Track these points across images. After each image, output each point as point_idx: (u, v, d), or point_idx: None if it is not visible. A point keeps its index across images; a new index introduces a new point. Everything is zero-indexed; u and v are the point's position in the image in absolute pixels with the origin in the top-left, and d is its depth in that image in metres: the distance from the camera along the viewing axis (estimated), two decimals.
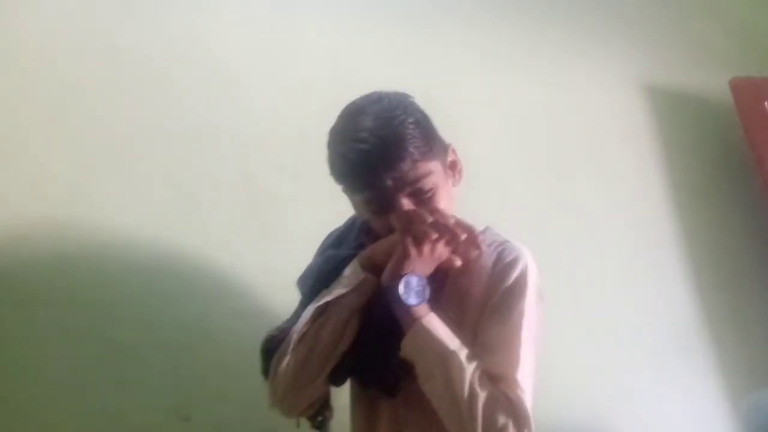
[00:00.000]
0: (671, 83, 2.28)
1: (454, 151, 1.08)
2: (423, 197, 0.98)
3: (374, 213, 1.01)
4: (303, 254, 1.53)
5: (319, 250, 1.19)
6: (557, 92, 2.04)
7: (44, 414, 1.19)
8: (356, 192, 1.01)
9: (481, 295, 0.98)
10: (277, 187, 1.53)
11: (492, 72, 1.97)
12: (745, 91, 2.15)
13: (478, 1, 2.05)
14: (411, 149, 0.95)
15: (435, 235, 0.95)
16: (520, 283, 0.98)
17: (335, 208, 1.58)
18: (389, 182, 0.95)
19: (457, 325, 0.95)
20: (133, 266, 1.33)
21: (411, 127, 0.98)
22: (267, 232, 1.48)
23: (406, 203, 0.96)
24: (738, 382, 1.86)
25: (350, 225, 1.17)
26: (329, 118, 1.71)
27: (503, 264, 1.00)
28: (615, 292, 1.84)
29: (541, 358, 1.58)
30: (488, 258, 1.01)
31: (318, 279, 1.06)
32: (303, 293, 1.11)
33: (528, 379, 0.92)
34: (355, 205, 1.07)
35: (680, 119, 2.24)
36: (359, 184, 0.99)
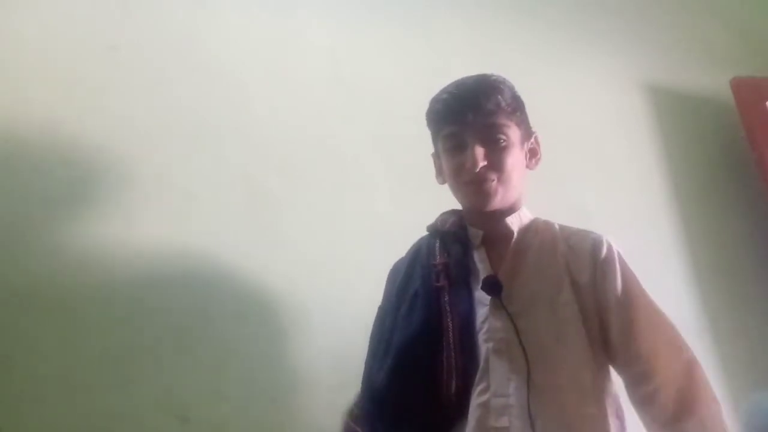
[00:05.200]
0: (672, 83, 2.28)
1: (537, 141, 1.17)
2: (494, 146, 1.07)
3: (450, 150, 1.09)
4: (302, 254, 1.54)
5: (392, 276, 1.21)
6: (558, 92, 2.03)
7: (43, 414, 1.19)
8: (443, 125, 1.10)
9: (588, 281, 1.05)
10: (276, 187, 1.53)
11: (492, 72, 1.97)
12: (746, 90, 2.15)
13: (478, 1, 2.05)
14: (499, 97, 1.07)
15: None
16: (622, 262, 1.07)
17: (334, 207, 1.59)
18: (470, 116, 1.05)
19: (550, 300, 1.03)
20: (131, 265, 1.33)
21: (504, 87, 1.10)
22: (266, 232, 1.48)
23: (478, 144, 1.05)
24: (738, 383, 1.86)
25: (414, 255, 1.18)
26: (329, 117, 1.73)
27: (602, 254, 1.07)
28: None
29: None
30: (583, 242, 1.10)
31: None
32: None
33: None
34: (439, 158, 1.15)
35: (681, 119, 2.24)
36: (445, 117, 1.09)
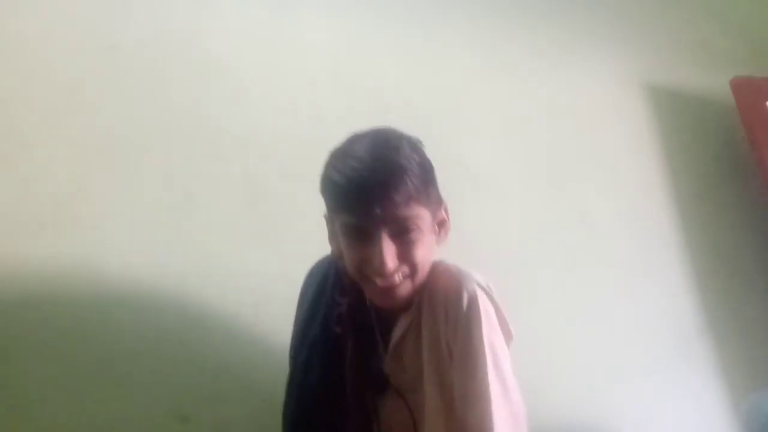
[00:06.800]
0: (672, 83, 2.28)
1: (446, 210, 1.05)
2: (405, 238, 0.94)
3: (353, 240, 0.96)
4: (302, 254, 1.53)
5: (301, 299, 1.19)
6: (558, 92, 2.03)
7: (43, 415, 1.19)
8: (344, 212, 0.95)
9: (444, 335, 0.95)
10: (276, 187, 1.53)
11: (492, 72, 1.97)
12: (746, 90, 2.15)
13: (478, 1, 2.05)
14: (409, 184, 0.91)
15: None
16: (473, 317, 0.92)
17: None
18: (378, 210, 0.90)
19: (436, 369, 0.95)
20: (131, 266, 1.33)
21: (413, 162, 0.94)
22: (266, 232, 1.48)
23: (388, 240, 0.92)
24: (739, 382, 1.86)
25: (324, 276, 1.14)
26: (329, 117, 1.73)
27: (450, 298, 0.95)
28: (616, 292, 1.84)
29: (542, 360, 1.59)
30: (446, 299, 0.97)
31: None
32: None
33: (506, 425, 0.89)
34: (336, 231, 1.01)
35: (681, 119, 2.24)
36: (347, 206, 0.94)
